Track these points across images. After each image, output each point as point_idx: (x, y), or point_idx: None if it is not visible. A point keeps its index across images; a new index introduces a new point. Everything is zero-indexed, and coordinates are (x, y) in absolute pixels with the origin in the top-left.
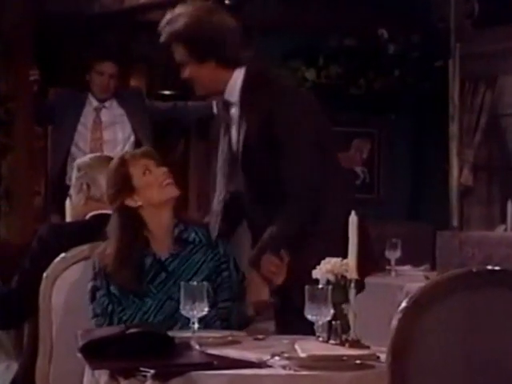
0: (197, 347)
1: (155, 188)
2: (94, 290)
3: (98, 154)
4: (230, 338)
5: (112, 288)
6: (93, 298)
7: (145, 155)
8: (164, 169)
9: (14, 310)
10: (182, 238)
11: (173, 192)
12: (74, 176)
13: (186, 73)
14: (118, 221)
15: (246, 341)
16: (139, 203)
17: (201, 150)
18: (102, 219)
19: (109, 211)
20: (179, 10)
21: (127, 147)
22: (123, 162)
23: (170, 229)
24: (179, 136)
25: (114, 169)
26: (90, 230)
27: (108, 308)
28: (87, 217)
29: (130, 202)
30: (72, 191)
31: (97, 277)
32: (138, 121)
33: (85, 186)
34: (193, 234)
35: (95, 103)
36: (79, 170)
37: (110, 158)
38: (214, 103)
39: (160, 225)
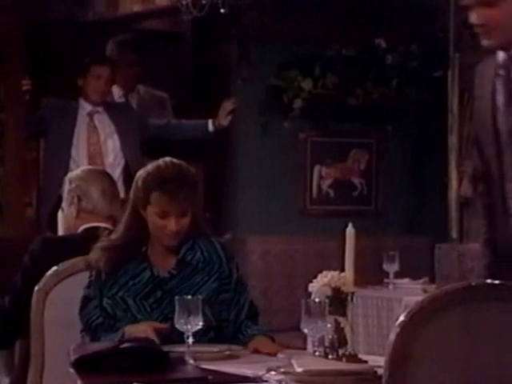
0: (191, 362)
1: (157, 231)
2: (86, 300)
3: (90, 166)
4: (227, 353)
5: (104, 301)
6: (83, 308)
7: (176, 196)
8: (180, 224)
9: (8, 330)
10: (186, 260)
11: (169, 243)
12: (65, 189)
13: (494, 13)
14: (128, 213)
15: (243, 355)
16: (145, 217)
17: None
18: (95, 232)
19: (101, 224)
20: None
21: (118, 160)
22: (153, 187)
23: (175, 249)
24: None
25: (146, 173)
26: (83, 243)
27: (97, 320)
28: (79, 230)
29: (140, 210)
30: (64, 204)
31: (91, 285)
32: (127, 138)
33: (76, 199)
34: (198, 254)
35: (88, 108)
36: (70, 182)
37: (101, 171)
38: (210, 122)
39: (162, 246)
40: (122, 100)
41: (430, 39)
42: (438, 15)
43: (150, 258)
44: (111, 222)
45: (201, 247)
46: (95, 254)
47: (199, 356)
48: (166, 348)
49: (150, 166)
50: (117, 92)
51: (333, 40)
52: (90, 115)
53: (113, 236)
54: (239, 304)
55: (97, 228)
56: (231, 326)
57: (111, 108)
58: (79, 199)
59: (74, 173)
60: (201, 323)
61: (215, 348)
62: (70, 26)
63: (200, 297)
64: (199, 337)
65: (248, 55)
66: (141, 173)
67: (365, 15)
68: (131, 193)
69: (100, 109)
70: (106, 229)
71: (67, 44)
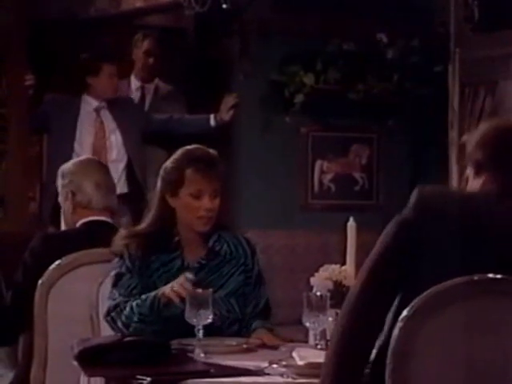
0: (202, 355)
1: (191, 214)
2: (119, 276)
3: (82, 157)
4: (244, 346)
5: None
6: (115, 284)
7: (209, 174)
8: (214, 204)
9: (10, 327)
10: (215, 250)
11: (202, 228)
12: (59, 183)
13: None
14: (155, 204)
15: (260, 349)
16: (174, 206)
17: None
18: (93, 226)
19: (98, 217)
20: None
21: (121, 155)
22: (186, 165)
23: (203, 238)
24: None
25: (174, 159)
26: (82, 237)
27: (133, 291)
28: (78, 224)
29: (168, 199)
30: (60, 199)
31: (123, 264)
32: (129, 134)
33: (70, 194)
34: (225, 246)
35: (95, 103)
36: (63, 177)
37: (93, 162)
38: (212, 116)
39: (190, 234)
40: (139, 92)
41: (430, 34)
42: (439, 10)
43: (182, 248)
44: (108, 213)
45: (226, 240)
46: (122, 241)
47: (212, 350)
48: (177, 341)
49: (174, 155)
50: (134, 83)
51: (334, 35)
52: (97, 111)
53: (141, 225)
54: (257, 298)
55: (95, 222)
56: (246, 321)
57: (113, 104)
58: (73, 194)
59: (67, 166)
60: (211, 316)
61: (233, 341)
62: (73, 22)
63: (211, 290)
64: (225, 329)
65: (249, 50)
66: (166, 163)
67: (366, 10)
68: (158, 184)
69: (104, 104)
70: (104, 222)
71: (69, 40)
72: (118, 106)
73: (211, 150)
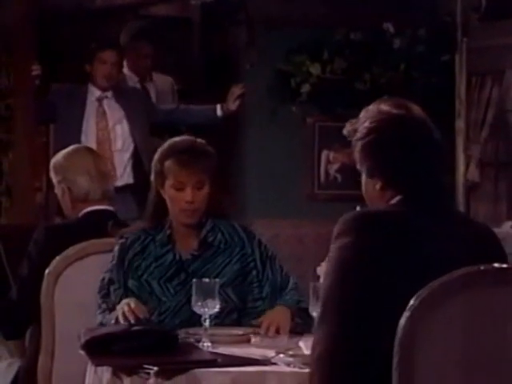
0: (208, 344)
1: (175, 207)
2: (109, 283)
3: (71, 148)
4: (251, 335)
5: (130, 283)
6: (104, 295)
7: (191, 166)
8: (197, 196)
9: (18, 321)
10: (208, 241)
11: (186, 221)
12: (53, 177)
13: None
14: (152, 197)
15: (267, 339)
16: (165, 198)
17: None
18: (95, 215)
19: (100, 207)
20: None
21: (126, 145)
22: (167, 157)
23: (196, 229)
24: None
25: (161, 148)
26: (85, 227)
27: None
28: (80, 214)
29: (160, 190)
30: (57, 191)
31: (113, 269)
32: (136, 122)
33: (67, 190)
34: (219, 235)
35: (97, 93)
36: (56, 173)
37: (82, 151)
38: (218, 106)
39: (181, 225)
40: (138, 87)
41: (437, 24)
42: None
43: (174, 241)
44: (107, 201)
45: (221, 229)
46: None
47: (218, 339)
48: (184, 330)
49: (162, 146)
50: (132, 78)
51: (340, 24)
52: (99, 100)
53: (143, 223)
54: (269, 279)
55: (96, 211)
56: (269, 302)
57: (120, 93)
58: (70, 189)
59: (57, 161)
60: (218, 306)
61: (240, 331)
62: (79, 12)
63: (218, 280)
64: (223, 318)
65: (256, 40)
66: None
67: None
68: (152, 175)
69: (109, 94)
70: (105, 211)
71: (76, 30)
72: (125, 95)
73: (200, 141)
